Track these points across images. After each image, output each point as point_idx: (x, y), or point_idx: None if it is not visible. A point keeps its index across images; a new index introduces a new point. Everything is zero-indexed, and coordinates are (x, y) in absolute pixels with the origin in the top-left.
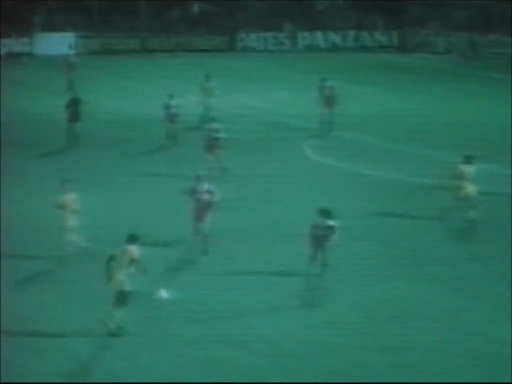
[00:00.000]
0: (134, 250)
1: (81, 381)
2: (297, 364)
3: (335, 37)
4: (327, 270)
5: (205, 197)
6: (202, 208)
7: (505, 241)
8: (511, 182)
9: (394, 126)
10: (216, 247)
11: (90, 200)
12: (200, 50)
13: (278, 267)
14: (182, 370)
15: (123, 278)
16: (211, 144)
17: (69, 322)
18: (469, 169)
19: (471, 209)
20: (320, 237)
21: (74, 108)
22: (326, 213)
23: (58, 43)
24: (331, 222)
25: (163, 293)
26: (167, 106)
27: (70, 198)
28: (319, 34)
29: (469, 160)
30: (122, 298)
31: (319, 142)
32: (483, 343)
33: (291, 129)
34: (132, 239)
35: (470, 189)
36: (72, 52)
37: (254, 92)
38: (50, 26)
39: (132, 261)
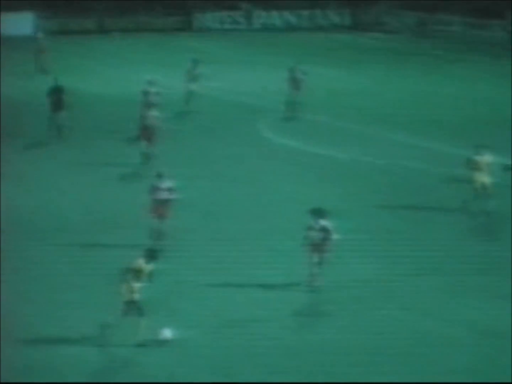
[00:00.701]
0: (144, 263)
1: (81, 381)
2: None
3: (290, 16)
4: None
5: (166, 194)
6: (163, 206)
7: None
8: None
9: (352, 106)
10: (182, 240)
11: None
12: (157, 30)
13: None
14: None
15: (133, 289)
16: (149, 132)
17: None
18: (483, 159)
19: (489, 199)
20: (316, 241)
21: (57, 97)
22: (318, 213)
23: (16, 23)
24: (324, 222)
25: (167, 333)
26: (145, 93)
27: None
28: (274, 13)
29: (480, 150)
30: (135, 309)
31: (280, 123)
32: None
33: (250, 110)
34: (150, 255)
35: (486, 179)
36: (40, 35)
37: (211, 73)
38: (7, 6)
39: (139, 272)
